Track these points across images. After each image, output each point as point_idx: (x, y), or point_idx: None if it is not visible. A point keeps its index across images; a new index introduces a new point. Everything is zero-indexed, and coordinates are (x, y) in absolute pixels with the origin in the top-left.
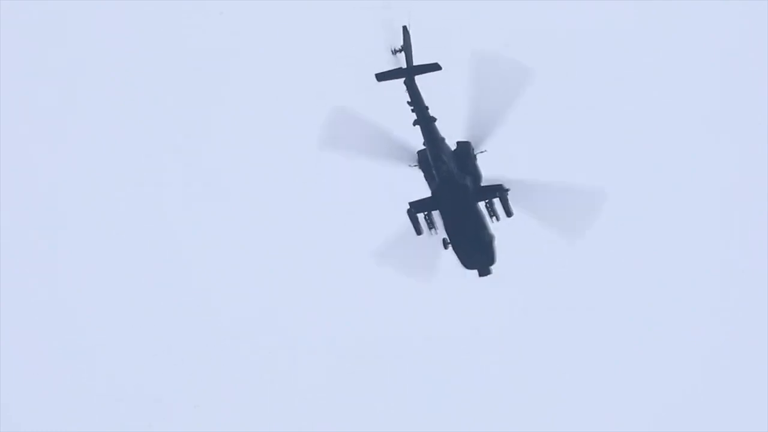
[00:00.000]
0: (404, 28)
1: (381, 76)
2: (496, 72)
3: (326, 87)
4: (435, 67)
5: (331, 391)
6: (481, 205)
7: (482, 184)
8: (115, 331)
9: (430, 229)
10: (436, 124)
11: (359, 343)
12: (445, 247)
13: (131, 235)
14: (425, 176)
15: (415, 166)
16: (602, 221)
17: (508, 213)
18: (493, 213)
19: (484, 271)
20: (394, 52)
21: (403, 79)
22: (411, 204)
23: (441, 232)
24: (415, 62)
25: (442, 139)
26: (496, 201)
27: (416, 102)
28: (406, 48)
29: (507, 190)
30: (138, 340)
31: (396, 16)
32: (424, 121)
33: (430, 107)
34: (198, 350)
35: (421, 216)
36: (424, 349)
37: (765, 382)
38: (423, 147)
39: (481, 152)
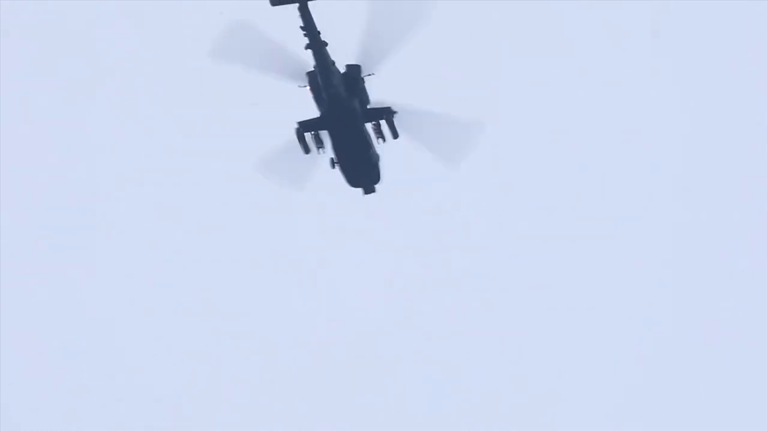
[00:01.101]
0: None
1: (275, 2)
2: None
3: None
4: None
5: (313, 386)
6: (369, 126)
7: (371, 107)
8: (114, 331)
9: (318, 148)
10: (327, 48)
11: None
12: (332, 167)
13: (131, 235)
14: (314, 97)
15: (305, 86)
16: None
17: (395, 135)
18: (380, 134)
19: (368, 189)
20: None
21: (297, 4)
22: (299, 123)
23: (328, 152)
24: None
25: (333, 63)
26: (383, 123)
27: (309, 27)
28: None
29: (394, 113)
30: (137, 340)
31: None
32: (316, 45)
33: (321, 32)
34: (197, 350)
35: (308, 135)
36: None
37: (759, 381)
38: (312, 69)
39: (370, 75)
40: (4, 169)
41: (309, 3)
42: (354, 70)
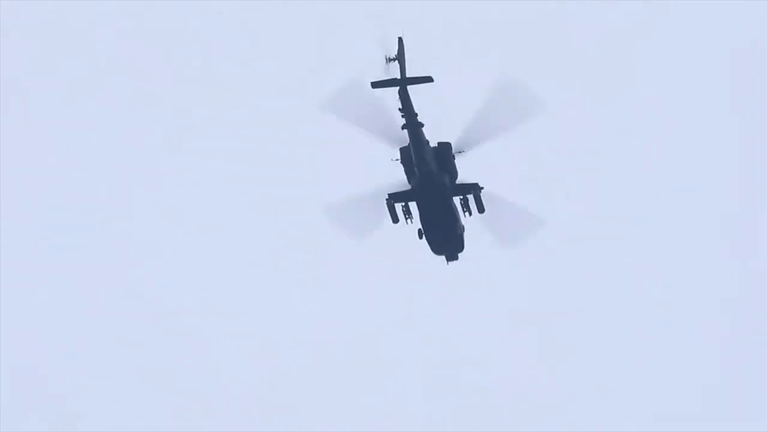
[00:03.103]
0: (399, 39)
1: (376, 85)
2: (510, 98)
3: (321, 89)
4: (428, 79)
5: (315, 388)
6: (456, 199)
7: (458, 182)
8: (114, 332)
9: (406, 218)
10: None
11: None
12: (420, 237)
13: (131, 235)
14: (405, 170)
15: (397, 160)
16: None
17: (480, 210)
18: (466, 208)
19: (451, 257)
20: (388, 60)
21: (397, 88)
22: (390, 195)
23: (416, 223)
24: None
25: (427, 142)
26: (471, 198)
27: (407, 110)
28: (400, 58)
29: (481, 188)
30: (136, 340)
31: (392, 25)
32: (413, 126)
33: (418, 114)
34: (196, 349)
35: (398, 206)
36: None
37: (754, 382)
38: (405, 145)
39: (460, 152)
40: (4, 169)
41: (408, 87)
42: (445, 148)
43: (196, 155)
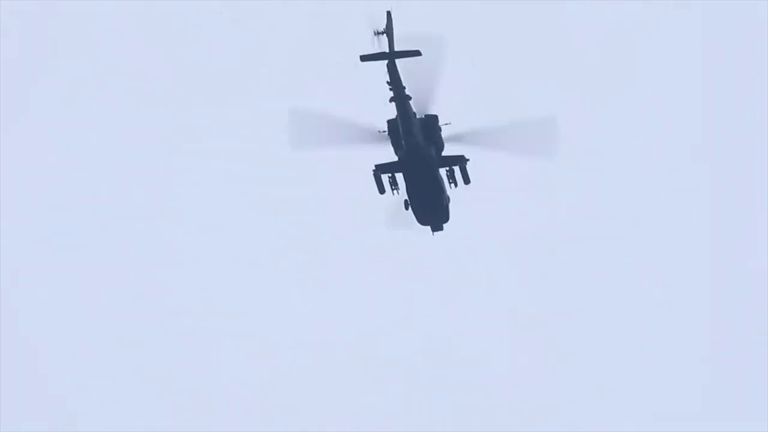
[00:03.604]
0: (388, 14)
1: (364, 58)
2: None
3: (322, 87)
4: (416, 53)
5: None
6: (442, 171)
7: (445, 154)
8: (114, 332)
9: (392, 189)
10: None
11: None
12: (406, 209)
13: (130, 235)
14: (392, 143)
15: (384, 132)
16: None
17: (466, 181)
18: (452, 179)
19: (437, 228)
20: (377, 33)
21: (386, 61)
22: (377, 166)
23: (402, 194)
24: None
25: (414, 114)
26: (456, 169)
27: (395, 83)
28: (389, 32)
29: (467, 160)
30: (136, 340)
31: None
32: (400, 99)
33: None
34: (195, 349)
35: (385, 177)
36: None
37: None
38: (393, 117)
39: (446, 124)
40: (5, 169)
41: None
42: (432, 120)
43: (193, 152)
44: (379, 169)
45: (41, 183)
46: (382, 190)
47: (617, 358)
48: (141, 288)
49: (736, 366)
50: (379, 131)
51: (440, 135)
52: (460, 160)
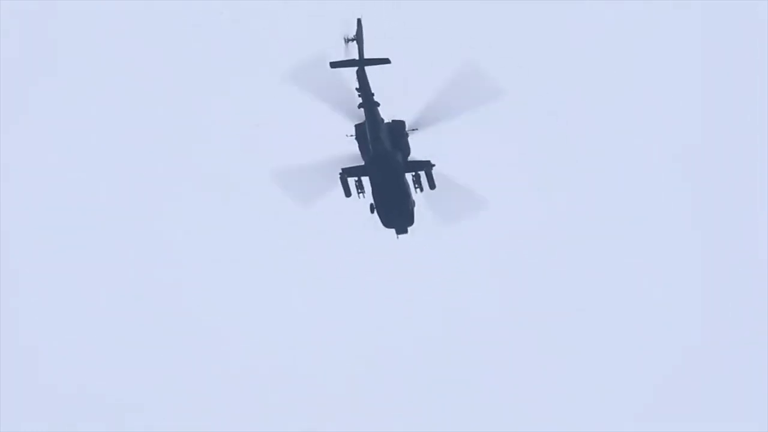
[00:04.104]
0: (358, 21)
1: (334, 64)
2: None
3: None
4: (385, 61)
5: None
6: (408, 176)
7: (411, 159)
8: (114, 332)
9: (358, 193)
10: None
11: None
12: (372, 212)
13: (129, 235)
14: (359, 147)
15: (352, 136)
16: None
17: (432, 186)
18: (418, 185)
19: (401, 231)
20: (347, 41)
21: (356, 69)
22: (343, 170)
23: (368, 197)
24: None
25: (382, 121)
26: (422, 175)
27: (364, 89)
28: (359, 39)
29: (433, 165)
30: (135, 341)
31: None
32: (369, 105)
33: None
34: (196, 349)
35: (351, 180)
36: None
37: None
38: (360, 122)
39: (413, 131)
40: (5, 169)
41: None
42: (399, 126)
43: (193, 152)
44: (345, 173)
45: (41, 183)
46: (348, 194)
47: (614, 357)
48: (140, 288)
49: (734, 365)
50: (347, 135)
51: (407, 141)
52: (426, 166)
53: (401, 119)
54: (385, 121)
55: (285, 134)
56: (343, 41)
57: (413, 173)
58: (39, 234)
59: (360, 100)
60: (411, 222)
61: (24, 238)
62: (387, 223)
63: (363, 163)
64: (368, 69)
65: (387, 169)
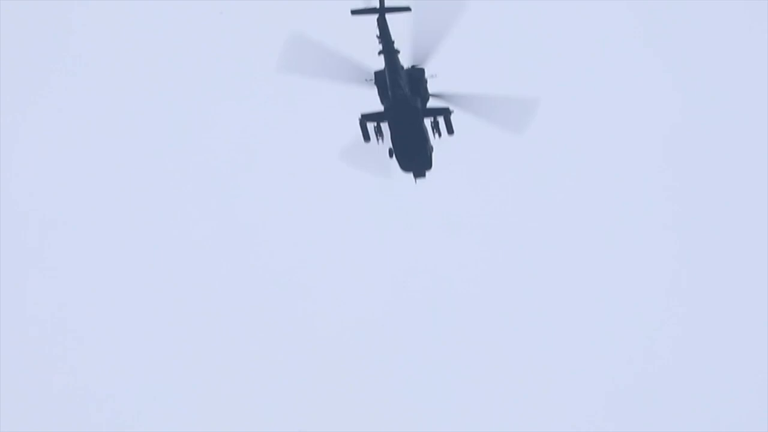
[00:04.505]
0: None
1: (356, 12)
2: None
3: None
4: (406, 9)
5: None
6: (427, 121)
7: (430, 106)
8: (114, 332)
9: (377, 137)
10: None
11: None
12: (390, 156)
13: (129, 236)
14: (379, 93)
15: (371, 80)
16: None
17: (450, 131)
18: (437, 130)
19: (419, 175)
20: None
21: (376, 16)
22: (363, 115)
23: (387, 142)
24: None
25: (402, 68)
26: (441, 120)
27: (385, 37)
28: None
29: (451, 112)
30: (135, 341)
31: None
32: (389, 53)
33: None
34: (196, 349)
35: (370, 126)
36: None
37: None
38: (380, 69)
39: (432, 77)
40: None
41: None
42: (418, 73)
43: (192, 152)
44: (365, 118)
45: (40, 184)
46: (367, 138)
47: (612, 356)
48: (139, 287)
49: (732, 364)
50: (366, 80)
51: (426, 87)
52: (445, 112)
53: (421, 66)
54: (405, 68)
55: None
56: None
57: (432, 119)
58: (38, 234)
59: (380, 47)
60: (429, 166)
61: (23, 239)
62: (405, 167)
63: (382, 109)
64: (388, 16)
65: (406, 115)
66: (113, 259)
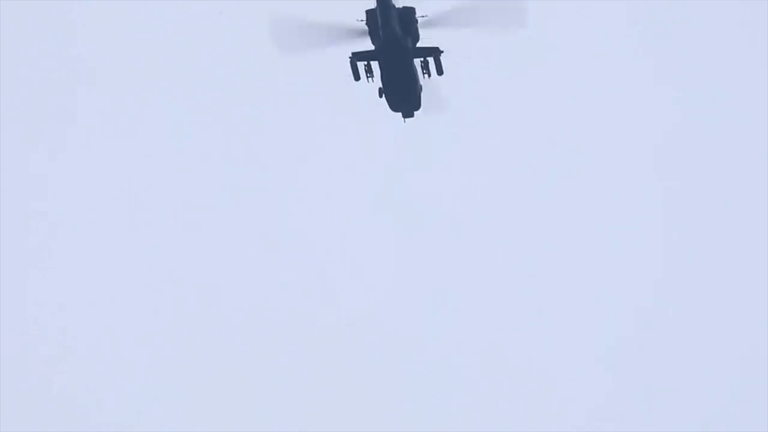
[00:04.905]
0: None
1: None
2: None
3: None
4: None
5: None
6: (417, 61)
7: (420, 45)
8: (115, 333)
9: (367, 76)
10: None
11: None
12: (380, 96)
13: (129, 236)
14: (369, 32)
15: (362, 21)
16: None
17: (440, 72)
18: (426, 70)
19: (408, 115)
20: None
21: None
22: (353, 54)
23: (377, 81)
24: None
25: (393, 6)
26: (431, 60)
27: None
28: None
29: (441, 52)
30: (135, 341)
31: None
32: None
33: None
34: (197, 349)
35: (360, 65)
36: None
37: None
38: (371, 8)
39: (423, 17)
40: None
41: None
42: (409, 12)
43: (196, 156)
44: (355, 57)
45: (41, 182)
46: (357, 77)
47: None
48: (139, 287)
49: (731, 364)
50: (357, 20)
51: (416, 27)
52: (435, 52)
53: (411, 6)
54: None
55: None
56: None
57: (422, 59)
58: (38, 235)
59: None
60: (418, 106)
61: (24, 239)
62: (394, 107)
63: (372, 48)
64: None
65: (397, 55)
66: (113, 260)
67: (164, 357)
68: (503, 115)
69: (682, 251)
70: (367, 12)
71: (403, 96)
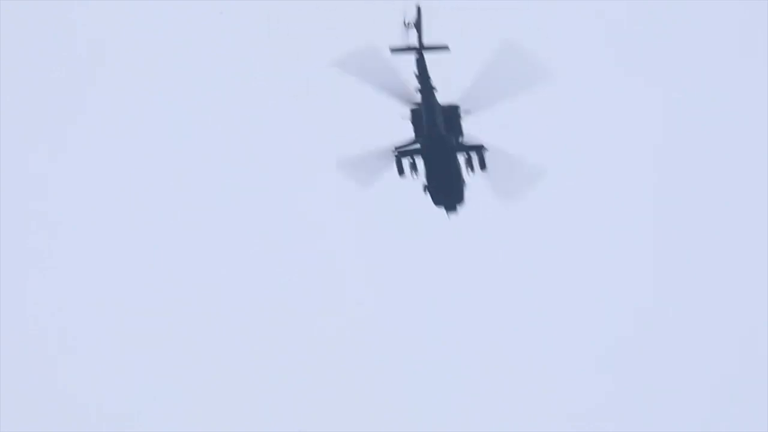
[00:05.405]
0: (418, 8)
1: (394, 50)
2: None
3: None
4: (444, 48)
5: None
6: (460, 157)
7: (465, 142)
8: (115, 333)
9: (412, 173)
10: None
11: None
12: (425, 192)
13: (129, 236)
14: (414, 130)
15: (407, 118)
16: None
17: (483, 168)
18: (470, 166)
19: (451, 209)
20: (407, 24)
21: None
22: (398, 150)
23: (422, 178)
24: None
25: (438, 105)
26: (474, 156)
27: (422, 75)
28: (418, 26)
29: (486, 150)
30: (135, 341)
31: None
32: (427, 91)
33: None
34: (197, 350)
35: (405, 161)
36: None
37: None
38: (415, 106)
39: (467, 113)
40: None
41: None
42: (453, 110)
43: (196, 157)
44: (400, 153)
45: (41, 182)
46: (401, 173)
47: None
48: (139, 287)
49: (731, 364)
50: (402, 117)
51: (461, 124)
52: (479, 149)
53: (456, 104)
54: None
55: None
56: (403, 24)
57: (465, 154)
58: (38, 235)
59: (418, 84)
60: (461, 201)
61: (23, 239)
62: (438, 202)
63: (417, 145)
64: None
65: (441, 153)
66: (113, 260)
67: (164, 357)
68: (502, 115)
69: (681, 251)
70: (412, 111)
71: (448, 193)
